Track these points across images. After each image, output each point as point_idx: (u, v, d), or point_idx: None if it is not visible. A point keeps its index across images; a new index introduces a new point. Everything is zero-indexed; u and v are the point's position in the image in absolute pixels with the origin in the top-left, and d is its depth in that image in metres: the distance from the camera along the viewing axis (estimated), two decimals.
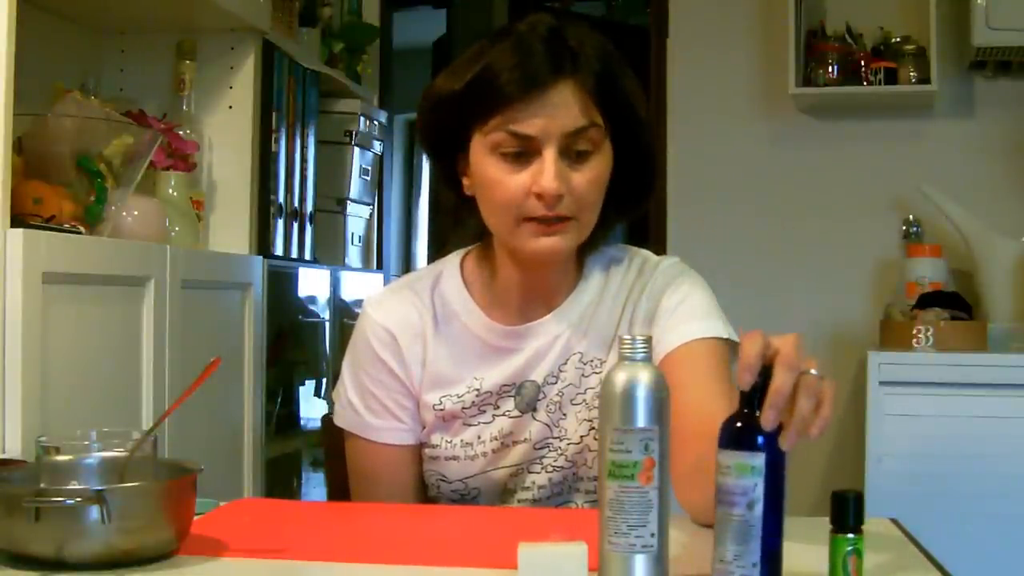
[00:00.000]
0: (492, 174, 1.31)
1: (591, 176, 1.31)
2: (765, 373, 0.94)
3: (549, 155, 1.28)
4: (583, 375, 1.40)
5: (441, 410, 1.41)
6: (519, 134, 1.29)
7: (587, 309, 1.42)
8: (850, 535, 0.95)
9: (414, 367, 1.42)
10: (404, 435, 1.43)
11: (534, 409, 1.40)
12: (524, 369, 1.40)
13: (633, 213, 1.44)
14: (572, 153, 1.30)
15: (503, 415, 1.40)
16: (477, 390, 1.41)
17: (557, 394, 1.40)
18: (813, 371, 0.94)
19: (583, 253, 1.43)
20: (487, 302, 1.43)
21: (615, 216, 1.42)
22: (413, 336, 1.43)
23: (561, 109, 1.28)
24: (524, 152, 1.29)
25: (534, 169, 1.29)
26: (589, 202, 1.32)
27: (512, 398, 1.41)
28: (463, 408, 1.41)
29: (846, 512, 0.96)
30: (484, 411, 1.41)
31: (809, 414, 0.92)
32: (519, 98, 1.28)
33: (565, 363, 1.40)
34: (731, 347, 1.38)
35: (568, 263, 1.41)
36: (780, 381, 0.92)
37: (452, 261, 1.47)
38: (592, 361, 1.40)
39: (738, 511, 0.92)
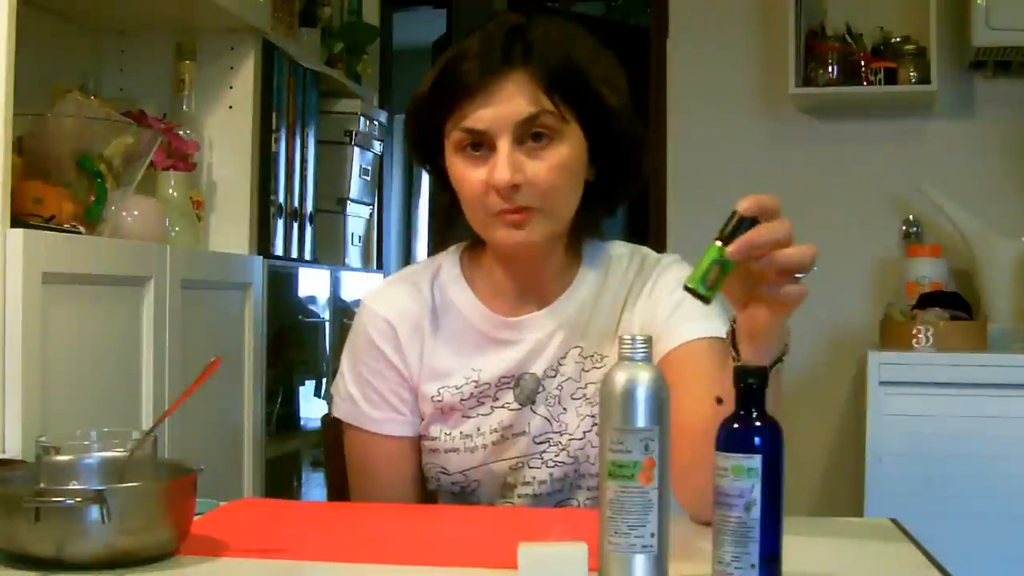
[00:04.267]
0: (459, 172, 1.33)
1: (551, 163, 1.30)
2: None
3: (502, 147, 1.29)
4: (583, 370, 1.40)
5: (439, 401, 1.41)
6: (471, 130, 1.30)
7: (586, 304, 1.42)
8: (726, 248, 1.00)
9: (412, 359, 1.43)
10: (403, 427, 1.44)
11: (533, 402, 1.40)
12: (523, 362, 1.41)
13: (620, 202, 1.44)
14: (529, 143, 1.30)
15: (502, 407, 1.41)
16: (475, 381, 1.41)
17: (556, 388, 1.40)
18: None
19: (577, 245, 1.43)
20: (485, 293, 1.44)
21: (603, 207, 1.42)
22: (412, 328, 1.43)
23: (510, 100, 1.29)
24: (483, 148, 1.31)
25: (491, 163, 1.30)
26: (552, 191, 1.31)
27: (511, 390, 1.41)
28: (461, 400, 1.41)
29: (736, 229, 1.00)
30: (483, 403, 1.41)
31: (767, 233, 1.01)
32: (470, 93, 1.29)
33: (564, 357, 1.41)
34: None
35: (556, 255, 1.41)
36: (759, 231, 1.00)
37: (452, 254, 1.48)
38: (593, 356, 1.41)
39: (736, 513, 0.92)
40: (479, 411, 1.41)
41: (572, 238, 1.41)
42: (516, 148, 1.30)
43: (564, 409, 1.40)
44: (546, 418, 1.40)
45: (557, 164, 1.31)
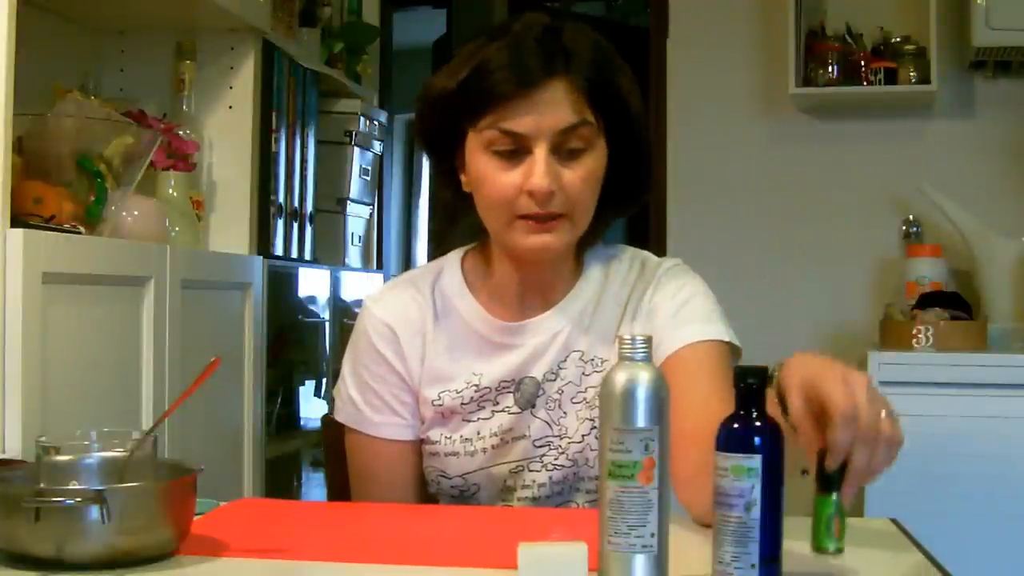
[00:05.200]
0: (485, 171, 1.32)
1: (583, 173, 1.31)
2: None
3: (540, 153, 1.29)
4: (584, 373, 1.40)
5: (440, 405, 1.41)
6: (511, 132, 1.29)
7: (587, 307, 1.42)
8: (833, 496, 0.98)
9: (413, 362, 1.43)
10: (403, 430, 1.44)
11: (533, 406, 1.40)
12: (523, 366, 1.41)
13: (630, 209, 1.45)
14: (564, 151, 1.31)
15: (503, 411, 1.40)
16: (476, 386, 1.41)
17: (557, 391, 1.40)
18: (883, 413, 1.01)
19: (581, 250, 1.44)
20: (486, 298, 1.44)
21: (612, 212, 1.42)
22: (413, 331, 1.43)
23: (552, 107, 1.29)
24: (516, 150, 1.30)
25: (526, 167, 1.30)
26: (581, 199, 1.32)
27: (511, 394, 1.41)
28: (462, 404, 1.41)
29: (833, 473, 0.97)
30: (483, 407, 1.41)
31: (864, 465, 0.97)
32: (511, 97, 1.29)
33: (565, 360, 1.40)
34: (732, 350, 1.38)
35: (565, 260, 1.42)
36: (837, 436, 0.97)
37: (454, 258, 1.48)
38: (593, 360, 1.40)
39: (736, 513, 0.92)
40: (479, 415, 1.41)
41: (579, 243, 1.42)
42: (551, 155, 1.30)
43: (564, 413, 1.40)
44: (546, 422, 1.40)
45: (587, 174, 1.32)
